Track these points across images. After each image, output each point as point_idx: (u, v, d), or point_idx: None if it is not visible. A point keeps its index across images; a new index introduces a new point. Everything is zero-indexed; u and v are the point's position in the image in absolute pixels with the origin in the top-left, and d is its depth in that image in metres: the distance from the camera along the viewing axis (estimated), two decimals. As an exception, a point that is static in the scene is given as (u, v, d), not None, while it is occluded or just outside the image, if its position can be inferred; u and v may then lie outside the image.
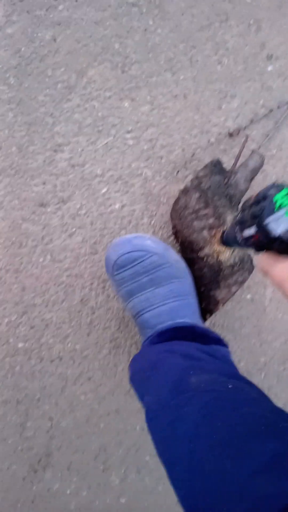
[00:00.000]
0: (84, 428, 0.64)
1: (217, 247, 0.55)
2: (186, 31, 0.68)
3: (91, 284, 0.66)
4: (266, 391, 0.64)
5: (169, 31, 0.68)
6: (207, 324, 0.68)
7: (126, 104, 0.68)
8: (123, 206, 0.67)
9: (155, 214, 0.68)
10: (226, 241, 0.48)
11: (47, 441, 0.63)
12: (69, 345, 0.65)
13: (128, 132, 0.68)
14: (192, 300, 0.56)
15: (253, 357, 0.66)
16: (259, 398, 0.37)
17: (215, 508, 0.28)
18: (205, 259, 0.56)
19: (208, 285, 0.57)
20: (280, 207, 0.35)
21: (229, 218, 0.56)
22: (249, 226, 0.37)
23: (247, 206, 0.39)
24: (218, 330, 0.68)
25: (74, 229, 0.67)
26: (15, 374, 0.64)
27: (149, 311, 0.52)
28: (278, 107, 0.69)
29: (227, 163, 0.69)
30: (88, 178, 0.67)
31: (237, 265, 0.55)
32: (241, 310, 0.67)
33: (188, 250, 0.58)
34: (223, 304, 0.57)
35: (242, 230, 0.39)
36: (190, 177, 0.68)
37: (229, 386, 0.37)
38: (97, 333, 0.65)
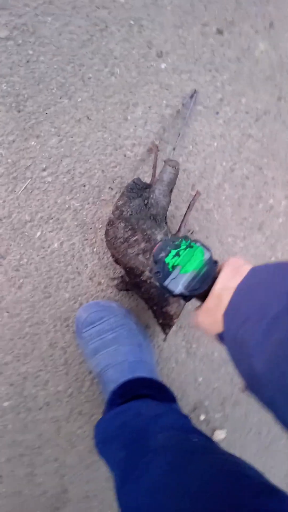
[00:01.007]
0: (89, 458, 0.69)
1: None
2: (69, 51, 0.67)
3: (54, 326, 0.69)
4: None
5: (52, 56, 0.67)
6: (173, 330, 0.73)
7: (33, 143, 0.68)
8: (61, 243, 0.69)
9: (95, 241, 0.70)
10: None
11: (59, 480, 0.68)
12: (51, 389, 0.68)
13: (44, 169, 0.68)
14: (150, 359, 0.63)
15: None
16: (212, 449, 0.42)
17: None
18: (148, 281, 0.60)
19: (159, 304, 0.60)
20: (173, 267, 0.39)
21: (159, 237, 0.59)
22: (157, 282, 0.41)
23: (152, 261, 0.43)
24: (189, 333, 0.73)
25: (21, 280, 0.68)
26: (10, 432, 0.67)
27: (112, 366, 0.58)
28: (183, 104, 0.71)
29: (149, 173, 0.71)
30: (18, 227, 0.68)
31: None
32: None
33: (132, 276, 0.61)
34: (178, 316, 0.61)
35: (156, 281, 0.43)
36: (117, 196, 0.70)
37: (194, 440, 0.43)
38: (74, 370, 0.69)
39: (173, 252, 0.40)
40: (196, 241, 0.41)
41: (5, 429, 0.67)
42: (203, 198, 0.71)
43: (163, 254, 0.40)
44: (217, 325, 0.37)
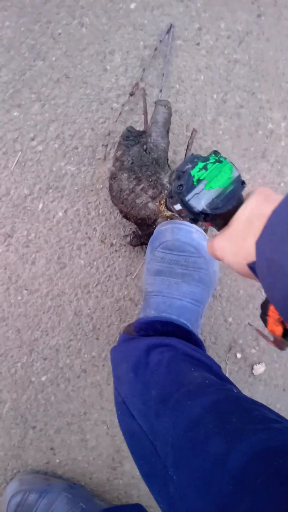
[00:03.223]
0: (135, 415, 0.72)
1: (168, 212, 0.59)
2: (33, 9, 0.67)
3: (76, 295, 0.71)
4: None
5: (17, 18, 0.67)
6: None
7: (16, 113, 0.68)
8: (66, 211, 0.70)
9: (99, 203, 0.71)
10: (170, 208, 0.51)
11: (111, 441, 0.72)
12: (85, 356, 0.71)
13: (32, 139, 0.69)
14: (202, 311, 0.61)
15: (248, 281, 0.73)
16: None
17: None
18: (162, 228, 0.60)
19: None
20: (198, 181, 0.38)
21: (166, 181, 0.59)
22: (176, 202, 0.40)
23: (171, 180, 0.42)
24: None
25: (33, 255, 0.70)
26: (54, 404, 0.70)
27: (164, 296, 0.57)
28: (160, 41, 0.70)
29: (141, 121, 0.71)
30: (19, 202, 0.69)
31: (193, 220, 0.60)
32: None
33: (145, 227, 0.62)
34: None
35: (172, 204, 0.42)
36: (112, 152, 0.71)
37: (234, 390, 0.43)
38: (104, 334, 0.71)
39: (201, 164, 0.38)
40: (225, 158, 0.39)
41: (49, 402, 0.70)
42: (200, 136, 0.71)
43: (189, 165, 0.39)
44: (244, 252, 0.37)
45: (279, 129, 0.73)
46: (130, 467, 0.73)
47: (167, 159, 0.64)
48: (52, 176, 0.70)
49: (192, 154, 0.41)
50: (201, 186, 0.38)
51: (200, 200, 0.38)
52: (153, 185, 0.60)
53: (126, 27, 0.70)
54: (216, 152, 0.40)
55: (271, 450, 0.35)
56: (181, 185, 0.39)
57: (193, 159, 0.39)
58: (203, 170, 0.38)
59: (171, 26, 0.70)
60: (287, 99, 0.73)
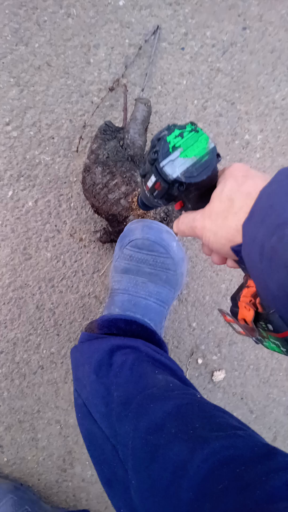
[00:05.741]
0: (91, 416, 0.71)
1: (139, 211, 0.60)
2: (19, -8, 0.66)
3: (39, 288, 0.70)
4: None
5: (2, 0, 0.66)
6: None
7: (-8, 96, 0.67)
8: (36, 201, 0.69)
9: (71, 196, 0.71)
10: (141, 204, 0.52)
11: (63, 441, 0.71)
12: (44, 352, 0.70)
13: (7, 124, 0.68)
14: (166, 312, 0.63)
15: (215, 288, 0.74)
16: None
17: None
18: (133, 225, 0.61)
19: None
20: (174, 148, 0.38)
21: (139, 178, 0.60)
22: (150, 175, 0.40)
23: (145, 156, 0.41)
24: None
25: (-2, 244, 0.68)
26: (6, 400, 0.69)
27: (130, 295, 0.57)
28: (146, 41, 0.71)
29: (120, 118, 0.71)
30: (-12, 188, 0.67)
31: (165, 219, 0.61)
32: (187, 252, 0.73)
33: (115, 223, 0.62)
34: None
35: (145, 182, 0.42)
36: (89, 146, 0.70)
37: (198, 396, 0.44)
38: (66, 330, 0.71)
39: (177, 132, 0.38)
40: (201, 129, 0.40)
41: (1, 398, 0.69)
42: (178, 139, 0.73)
43: (165, 132, 0.39)
44: (224, 232, 0.36)
45: (255, 141, 0.75)
46: (80, 469, 0.72)
47: (143, 157, 0.65)
48: (25, 164, 0.69)
49: (168, 124, 0.40)
50: (176, 153, 0.38)
51: (175, 167, 0.38)
52: (127, 182, 0.60)
53: (113, 23, 0.70)
54: (192, 123, 0.40)
55: (233, 457, 0.36)
56: (156, 151, 0.38)
57: (169, 127, 0.39)
58: (179, 138, 0.38)
59: (157, 27, 0.71)
60: (265, 112, 0.76)
